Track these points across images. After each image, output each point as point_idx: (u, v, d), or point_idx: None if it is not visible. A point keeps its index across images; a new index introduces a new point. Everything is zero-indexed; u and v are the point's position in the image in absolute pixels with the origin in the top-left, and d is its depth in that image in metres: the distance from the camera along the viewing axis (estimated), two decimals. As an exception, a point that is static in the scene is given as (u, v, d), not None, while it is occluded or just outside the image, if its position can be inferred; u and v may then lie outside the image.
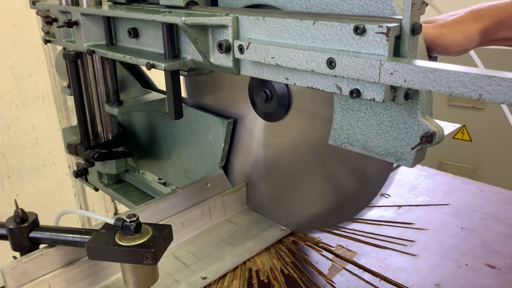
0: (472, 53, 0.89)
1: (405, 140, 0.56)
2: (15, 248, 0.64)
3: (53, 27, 0.95)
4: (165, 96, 0.98)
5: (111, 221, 0.60)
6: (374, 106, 0.58)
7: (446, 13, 0.72)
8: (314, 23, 0.54)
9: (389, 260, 0.76)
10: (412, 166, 0.57)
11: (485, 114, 2.57)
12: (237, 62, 0.64)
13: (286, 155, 0.80)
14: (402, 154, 0.57)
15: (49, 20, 0.91)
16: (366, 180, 0.71)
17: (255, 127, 0.85)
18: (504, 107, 1.07)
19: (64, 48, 0.96)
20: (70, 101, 2.38)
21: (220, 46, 0.64)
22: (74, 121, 2.41)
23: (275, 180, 0.84)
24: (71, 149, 0.94)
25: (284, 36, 0.58)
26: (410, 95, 0.52)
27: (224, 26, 0.63)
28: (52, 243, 0.64)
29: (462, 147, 2.68)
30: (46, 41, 1.00)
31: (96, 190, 1.23)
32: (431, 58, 0.65)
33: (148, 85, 1.05)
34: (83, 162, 1.16)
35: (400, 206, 0.92)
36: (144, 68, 1.06)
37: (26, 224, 0.63)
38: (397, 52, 0.50)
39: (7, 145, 2.21)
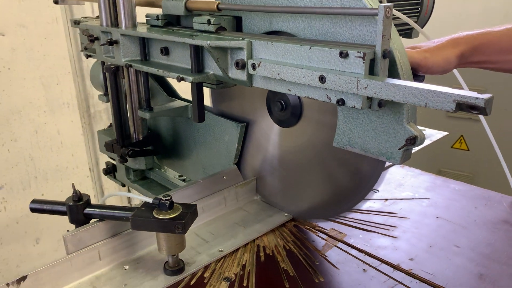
0: (456, 73, 1.05)
1: (394, 142, 0.70)
2: (72, 221, 0.81)
3: (87, 42, 1.13)
4: (187, 103, 1.15)
5: (150, 200, 0.77)
6: (370, 115, 0.73)
7: (433, 38, 0.88)
8: (310, 48, 0.70)
9: (373, 240, 0.91)
10: (400, 163, 0.71)
11: (481, 125, 2.71)
12: (250, 76, 0.81)
13: (295, 156, 0.96)
14: (392, 154, 0.71)
15: (92, 39, 1.09)
16: (361, 178, 0.86)
17: (270, 132, 1.00)
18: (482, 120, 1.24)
19: (103, 63, 1.14)
20: (92, 108, 2.57)
21: (237, 64, 0.80)
22: (95, 127, 2.60)
23: (283, 175, 1.00)
24: (108, 147, 1.11)
25: (287, 57, 0.74)
26: (382, 103, 0.68)
27: (241, 48, 0.79)
28: (101, 218, 0.80)
29: (460, 156, 2.82)
30: (88, 56, 1.18)
31: (123, 185, 1.39)
32: (418, 77, 0.79)
33: (172, 94, 1.23)
34: (114, 160, 1.34)
35: (386, 199, 1.08)
36: (169, 79, 1.23)
37: (81, 203, 0.80)
38: (372, 71, 0.67)
39: (35, 148, 2.40)
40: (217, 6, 0.83)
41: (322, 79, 0.68)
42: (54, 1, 1.34)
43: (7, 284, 0.71)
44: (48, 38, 2.31)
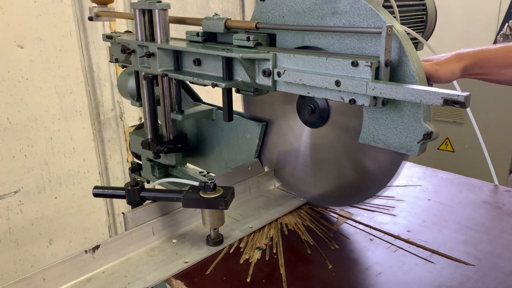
0: (454, 82, 1.25)
1: (413, 137, 0.84)
2: (129, 203, 0.98)
3: (120, 54, 1.29)
4: (212, 107, 1.33)
5: (197, 183, 0.94)
6: (392, 115, 0.87)
7: (440, 53, 1.06)
8: (327, 59, 0.89)
9: (376, 218, 1.09)
10: (418, 155, 0.85)
11: (465, 128, 2.93)
12: (274, 82, 0.99)
13: (323, 153, 1.10)
14: (411, 147, 0.85)
15: (129, 52, 1.26)
16: (378, 173, 0.99)
17: (302, 132, 1.13)
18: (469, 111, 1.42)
19: (136, 73, 1.30)
20: (102, 115, 2.73)
21: (264, 72, 0.98)
22: (105, 133, 2.76)
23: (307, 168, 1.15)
24: (145, 145, 1.28)
25: (307, 66, 0.92)
26: (385, 102, 0.87)
27: (267, 59, 0.97)
28: (155, 200, 0.97)
29: (446, 157, 3.04)
30: (123, 66, 1.35)
31: (148, 182, 1.55)
32: (428, 84, 0.96)
33: (196, 99, 1.40)
34: (140, 160, 1.50)
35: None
36: (192, 86, 1.40)
37: (138, 187, 0.97)
38: (377, 76, 0.85)
39: (50, 154, 2.54)
40: (256, 25, 1.00)
41: (337, 83, 0.86)
42: (89, 18, 1.50)
43: (86, 251, 0.87)
44: (63, 50, 2.47)
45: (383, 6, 0.89)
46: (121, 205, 2.95)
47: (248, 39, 1.00)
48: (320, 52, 0.94)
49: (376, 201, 1.18)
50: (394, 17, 0.98)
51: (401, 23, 1.02)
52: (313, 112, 1.07)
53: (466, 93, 0.72)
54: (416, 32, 1.06)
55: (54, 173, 2.58)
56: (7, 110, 2.32)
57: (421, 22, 1.17)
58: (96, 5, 1.47)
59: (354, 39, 0.89)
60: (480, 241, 0.98)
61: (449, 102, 0.74)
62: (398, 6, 1.01)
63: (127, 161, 2.90)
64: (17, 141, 2.39)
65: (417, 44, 1.14)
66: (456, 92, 0.72)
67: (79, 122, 2.62)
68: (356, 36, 0.89)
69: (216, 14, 1.12)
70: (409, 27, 1.03)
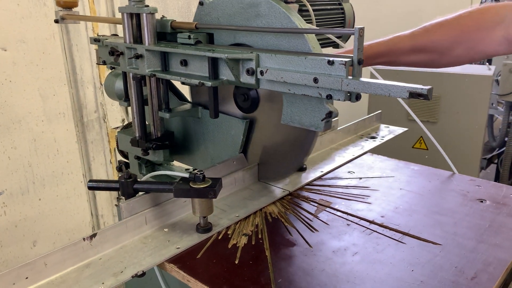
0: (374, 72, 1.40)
1: (318, 116, 1.01)
2: (123, 194, 1.04)
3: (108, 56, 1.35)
4: (197, 106, 1.40)
5: (187, 175, 1.01)
6: (304, 100, 1.04)
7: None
8: (305, 58, 0.97)
9: (353, 206, 1.18)
10: (323, 130, 1.03)
11: (438, 127, 3.07)
12: (258, 80, 1.06)
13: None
14: (318, 125, 1.02)
15: (118, 54, 1.32)
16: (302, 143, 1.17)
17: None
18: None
19: (124, 74, 1.36)
20: (86, 117, 2.76)
21: (248, 71, 1.06)
22: (88, 135, 2.79)
23: None
24: (134, 143, 1.34)
25: (288, 65, 1.00)
26: (358, 97, 0.95)
27: (251, 59, 1.05)
28: (147, 191, 1.04)
29: (420, 154, 3.17)
30: (112, 68, 1.40)
31: (135, 179, 1.61)
32: None
33: (181, 98, 1.46)
34: (127, 159, 1.55)
35: (361, 178, 1.35)
36: (177, 85, 1.46)
37: (131, 180, 1.03)
38: (351, 73, 0.94)
39: (33, 155, 2.56)
40: (195, 25, 1.15)
41: (315, 80, 0.94)
42: (54, 21, 1.55)
43: (84, 239, 0.93)
44: (46, 53, 2.50)
45: (302, 10, 1.16)
46: (104, 206, 2.98)
47: (189, 37, 1.15)
48: (299, 52, 1.03)
49: (353, 191, 1.27)
50: (310, 20, 1.21)
51: (320, 25, 1.28)
52: (246, 100, 1.24)
53: (428, 87, 0.81)
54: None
55: (38, 174, 2.60)
56: (-9, 112, 2.34)
57: (340, 24, 1.36)
58: (61, 8, 1.53)
59: (272, 37, 1.08)
60: (446, 224, 1.08)
61: (414, 95, 0.83)
62: (316, 10, 1.25)
63: (110, 162, 2.93)
64: (0, 143, 2.41)
65: (338, 44, 1.35)
66: (420, 86, 0.82)
67: (62, 124, 2.65)
68: (273, 35, 1.07)
69: (164, 17, 1.25)
70: (327, 28, 1.27)
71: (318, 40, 1.07)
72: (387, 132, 1.75)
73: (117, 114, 2.92)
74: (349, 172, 1.40)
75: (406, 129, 1.79)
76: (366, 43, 1.19)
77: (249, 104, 1.26)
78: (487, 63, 3.33)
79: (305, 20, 1.18)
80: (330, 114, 0.99)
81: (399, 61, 1.24)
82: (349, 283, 0.87)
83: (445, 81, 2.96)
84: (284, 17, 1.04)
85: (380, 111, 1.83)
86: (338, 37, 1.32)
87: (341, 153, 1.54)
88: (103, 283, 0.87)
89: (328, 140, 1.58)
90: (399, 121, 3.08)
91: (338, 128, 1.63)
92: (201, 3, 1.22)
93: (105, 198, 2.99)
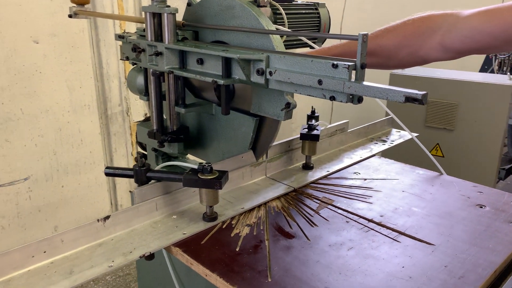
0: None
1: (279, 106, 1.15)
2: (136, 181, 1.12)
3: (131, 53, 1.44)
4: (211, 103, 1.46)
5: (196, 166, 1.08)
6: (269, 93, 1.17)
7: None
8: (312, 60, 1.02)
9: (354, 204, 1.23)
10: (284, 119, 1.15)
11: (455, 134, 3.06)
12: (267, 80, 1.12)
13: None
14: (279, 114, 1.15)
15: (140, 50, 1.40)
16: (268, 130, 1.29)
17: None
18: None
19: (145, 70, 1.44)
20: (110, 110, 2.87)
21: (258, 71, 1.12)
22: (111, 127, 2.90)
23: None
24: (151, 135, 1.42)
25: (295, 67, 1.06)
26: (361, 99, 1.00)
27: (261, 60, 1.11)
28: (159, 179, 1.11)
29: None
30: (133, 63, 1.49)
31: (152, 170, 1.69)
32: None
33: (197, 95, 1.54)
34: (145, 151, 1.64)
35: (365, 179, 1.40)
36: (194, 82, 1.53)
37: (144, 168, 1.11)
38: (356, 76, 0.99)
39: (58, 144, 2.69)
40: (182, 24, 1.28)
41: (320, 82, 0.99)
42: (68, 15, 1.66)
43: (98, 220, 1.01)
44: (75, 47, 2.62)
45: (276, 13, 1.31)
46: (124, 196, 3.09)
47: (177, 34, 1.27)
48: (306, 54, 1.08)
49: (356, 191, 1.31)
50: (283, 22, 1.34)
51: (293, 27, 1.41)
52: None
53: (423, 92, 0.86)
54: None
55: (62, 162, 2.72)
56: (21, 102, 2.47)
57: (316, 27, 1.48)
58: (75, 5, 1.65)
59: (244, 36, 1.22)
60: (442, 226, 1.12)
61: (410, 99, 0.87)
62: (291, 14, 1.39)
63: (132, 154, 3.04)
64: (28, 131, 2.54)
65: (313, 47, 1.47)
66: (415, 91, 0.86)
67: (87, 116, 2.77)
68: (245, 35, 1.22)
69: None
70: (302, 31, 1.41)
71: (291, 41, 1.33)
72: (398, 136, 1.78)
73: (140, 108, 3.03)
74: (355, 173, 1.45)
75: (417, 134, 1.82)
76: (326, 46, 1.35)
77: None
78: (508, 73, 3.30)
79: (279, 22, 1.33)
80: (288, 105, 1.13)
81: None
82: (341, 275, 0.92)
83: (464, 89, 2.95)
84: (253, 19, 1.19)
85: (391, 115, 1.86)
86: (312, 40, 1.45)
87: (350, 154, 1.59)
88: (113, 261, 0.95)
89: (337, 141, 1.63)
90: (415, 127, 3.10)
91: (349, 131, 1.68)
92: (189, 4, 1.36)
93: (125, 189, 3.10)
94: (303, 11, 1.44)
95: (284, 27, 1.37)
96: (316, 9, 1.49)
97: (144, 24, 1.42)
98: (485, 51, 1.18)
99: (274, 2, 1.36)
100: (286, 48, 1.36)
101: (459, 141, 3.04)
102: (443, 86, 3.01)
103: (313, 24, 1.46)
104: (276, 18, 1.37)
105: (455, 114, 2.98)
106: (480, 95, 2.92)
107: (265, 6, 1.31)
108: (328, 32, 1.52)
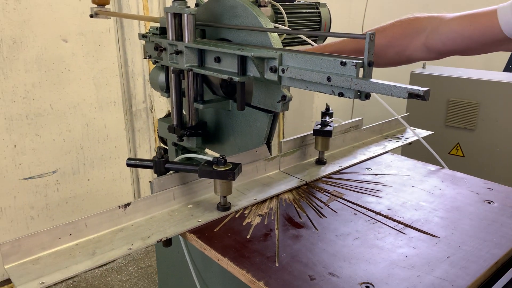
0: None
1: (276, 99, 1.26)
2: (156, 172, 1.19)
3: (153, 51, 1.51)
4: (227, 100, 1.53)
5: (211, 158, 1.14)
6: (268, 87, 1.28)
7: None
8: (322, 58, 1.07)
9: (363, 198, 1.27)
10: (280, 111, 1.28)
11: (476, 134, 3.05)
12: (280, 78, 1.18)
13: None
14: (276, 106, 1.27)
15: (161, 49, 1.47)
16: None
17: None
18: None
19: (166, 68, 1.52)
20: (134, 107, 2.97)
21: (271, 68, 1.18)
22: (136, 123, 3.00)
23: None
24: (171, 129, 1.49)
25: (306, 64, 1.11)
26: (368, 95, 1.04)
27: (274, 58, 1.17)
28: (177, 170, 1.18)
29: (456, 161, 3.15)
30: (155, 62, 1.56)
31: (172, 164, 1.76)
32: None
33: (214, 92, 1.60)
34: (166, 145, 1.71)
35: (377, 174, 1.44)
36: (213, 80, 1.60)
37: (163, 159, 1.18)
38: (363, 74, 1.03)
39: (85, 139, 2.80)
40: None
41: (329, 79, 1.04)
42: (90, 15, 1.76)
43: (119, 207, 1.08)
44: (102, 45, 2.73)
45: (277, 13, 1.40)
46: (147, 190, 3.19)
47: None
48: (316, 53, 1.13)
49: (367, 185, 1.35)
50: (283, 21, 1.42)
51: (294, 26, 1.48)
52: (228, 86, 1.51)
53: (425, 88, 0.90)
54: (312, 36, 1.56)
55: (88, 157, 2.84)
56: (50, 98, 2.59)
57: (316, 26, 1.55)
58: (96, 5, 1.77)
59: (246, 34, 1.32)
60: (448, 220, 1.15)
61: (412, 95, 0.91)
62: (292, 13, 1.46)
63: (155, 150, 3.13)
64: (57, 126, 2.66)
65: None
66: (418, 87, 0.90)
67: (113, 112, 2.88)
68: (246, 33, 1.32)
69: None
70: (303, 29, 1.50)
71: (291, 39, 1.43)
72: (413, 134, 1.80)
73: (163, 105, 3.12)
74: (366, 168, 1.48)
75: (431, 132, 1.84)
76: (321, 44, 1.43)
77: (230, 89, 1.51)
78: (531, 72, 3.25)
79: (280, 21, 1.41)
80: (284, 98, 1.23)
81: None
82: (345, 262, 0.97)
83: (486, 89, 2.94)
84: (253, 18, 1.28)
85: (407, 113, 1.89)
86: (314, 39, 1.53)
87: (363, 151, 1.63)
88: (132, 245, 1.02)
89: (352, 138, 1.67)
90: (435, 126, 3.09)
91: (363, 128, 1.71)
92: (196, 5, 1.47)
93: (148, 183, 3.20)
94: (304, 11, 1.52)
95: (284, 25, 1.44)
96: (317, 8, 1.56)
97: (157, 23, 1.52)
98: (464, 53, 1.25)
99: (274, 2, 1.44)
100: (286, 46, 1.48)
101: (480, 141, 3.02)
102: (464, 86, 3.00)
103: (313, 22, 1.54)
104: (277, 17, 1.44)
105: (476, 113, 2.96)
106: (502, 94, 2.89)
107: (266, 6, 1.40)
108: (329, 30, 1.59)
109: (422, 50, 1.28)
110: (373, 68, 1.00)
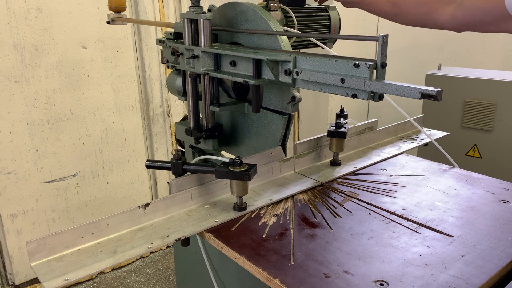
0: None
1: (286, 100, 1.30)
2: (174, 173, 1.22)
3: (170, 56, 1.55)
4: (243, 103, 1.56)
5: (227, 160, 1.17)
6: (279, 89, 1.33)
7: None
8: (335, 61, 1.09)
9: (378, 198, 1.28)
10: (291, 112, 1.33)
11: (493, 135, 3.02)
12: (294, 80, 1.20)
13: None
14: (287, 107, 1.32)
15: (178, 54, 1.51)
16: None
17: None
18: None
19: (183, 72, 1.55)
20: (152, 111, 3.03)
21: (285, 71, 1.20)
22: (153, 127, 3.04)
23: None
24: (188, 132, 1.53)
25: (319, 67, 1.13)
26: (381, 96, 1.06)
27: (288, 61, 1.19)
28: (194, 172, 1.21)
29: (473, 162, 3.13)
30: (173, 66, 1.60)
31: (189, 166, 1.79)
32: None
33: (229, 95, 1.63)
34: (183, 148, 1.75)
35: (391, 175, 1.45)
36: (227, 83, 1.63)
37: (181, 161, 1.21)
38: (375, 75, 1.05)
39: (104, 143, 2.86)
40: None
41: (342, 81, 1.06)
42: (107, 22, 1.81)
43: (139, 207, 1.12)
44: (120, 51, 2.79)
45: (287, 16, 1.45)
46: (165, 193, 3.23)
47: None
48: (330, 55, 1.15)
49: (382, 186, 1.36)
50: (293, 24, 1.44)
51: (304, 29, 1.50)
52: (240, 88, 1.54)
53: (438, 89, 0.91)
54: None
55: (107, 160, 2.89)
56: (71, 103, 2.66)
57: (326, 28, 1.58)
58: (112, 12, 1.82)
59: (257, 37, 1.37)
60: (463, 219, 1.15)
61: (425, 95, 0.93)
62: (301, 16, 1.49)
63: (172, 153, 3.18)
64: (77, 130, 2.73)
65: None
66: (431, 88, 0.92)
67: (131, 116, 2.93)
68: (258, 37, 1.36)
69: (181, 21, 1.47)
70: (313, 32, 1.53)
71: (301, 41, 1.49)
72: (428, 135, 1.81)
73: (180, 110, 3.17)
74: (381, 169, 1.50)
75: (447, 133, 1.84)
76: None
77: (242, 91, 1.54)
78: (550, 73, 3.21)
79: (289, 25, 1.44)
80: (294, 99, 1.28)
81: (376, 8, 1.47)
82: (360, 260, 0.98)
83: (502, 89, 2.91)
84: (263, 22, 1.33)
85: (422, 114, 1.89)
86: (323, 41, 1.55)
87: (378, 152, 1.64)
88: (151, 243, 1.05)
89: (366, 139, 1.68)
90: (451, 127, 3.07)
91: (378, 129, 1.72)
92: (209, 10, 1.50)
93: (165, 186, 3.24)
94: (313, 14, 1.55)
95: (294, 29, 1.47)
96: (327, 11, 1.59)
97: (171, 29, 1.57)
98: (479, 27, 1.30)
99: (284, 6, 1.47)
100: (296, 48, 1.51)
101: (497, 142, 2.99)
102: (480, 86, 2.97)
103: (323, 25, 1.57)
104: (287, 21, 1.47)
105: (493, 114, 2.94)
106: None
107: (276, 10, 1.43)
108: (339, 33, 1.61)
109: (448, 20, 1.32)
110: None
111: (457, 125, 3.12)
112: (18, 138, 2.52)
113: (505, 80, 2.87)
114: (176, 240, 1.07)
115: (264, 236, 1.09)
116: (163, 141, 3.14)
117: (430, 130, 1.89)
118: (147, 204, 1.13)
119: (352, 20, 2.55)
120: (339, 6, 1.58)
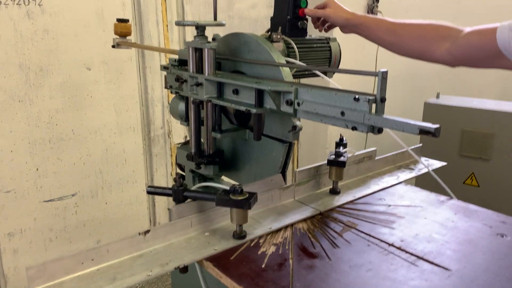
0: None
1: (287, 128, 1.35)
2: (174, 199, 1.23)
3: (174, 82, 1.58)
4: (244, 129, 1.58)
5: (227, 187, 1.18)
6: (280, 118, 1.37)
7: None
8: (336, 94, 1.12)
9: (376, 229, 1.29)
10: (292, 140, 1.36)
11: (491, 164, 3.03)
12: (295, 110, 1.22)
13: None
14: (288, 136, 1.36)
15: (182, 81, 1.53)
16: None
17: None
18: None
19: (186, 98, 1.58)
20: (153, 132, 3.05)
21: (287, 102, 1.23)
22: (154, 148, 3.06)
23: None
24: (189, 157, 1.54)
25: (321, 99, 1.15)
26: (380, 130, 1.08)
27: (290, 92, 1.21)
28: (194, 199, 1.22)
29: (471, 191, 3.14)
30: (176, 92, 1.63)
31: (189, 190, 1.80)
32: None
33: (232, 122, 1.66)
34: (183, 172, 1.76)
35: (390, 205, 1.46)
36: (229, 110, 1.65)
37: (182, 188, 1.22)
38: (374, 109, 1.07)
39: (104, 163, 2.87)
40: None
41: (342, 113, 1.09)
42: (112, 46, 1.84)
43: (139, 233, 1.13)
44: (123, 73, 2.83)
45: (289, 47, 1.50)
46: (162, 214, 3.23)
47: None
48: (331, 88, 1.18)
49: (380, 216, 1.37)
50: (295, 55, 1.49)
51: (305, 59, 1.55)
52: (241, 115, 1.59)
53: (436, 125, 0.93)
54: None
55: (106, 180, 2.90)
56: (73, 123, 2.68)
57: (327, 59, 1.64)
58: (118, 36, 1.86)
59: (260, 68, 1.41)
60: (461, 253, 1.16)
61: (424, 132, 0.95)
62: (303, 47, 1.54)
63: (171, 175, 3.19)
64: (78, 150, 2.74)
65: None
66: (429, 124, 0.94)
67: (132, 137, 2.95)
68: (260, 67, 1.40)
69: (186, 48, 1.51)
70: (314, 63, 1.59)
71: (302, 71, 1.54)
72: (426, 165, 1.82)
73: (180, 131, 3.19)
74: (380, 199, 1.51)
75: (444, 163, 1.85)
76: (360, 13, 1.50)
77: (243, 118, 1.59)
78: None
79: (291, 56, 1.51)
80: (295, 128, 1.33)
81: (374, 35, 1.51)
82: (357, 293, 0.99)
83: (500, 119, 2.94)
84: (266, 53, 1.37)
85: (420, 144, 1.91)
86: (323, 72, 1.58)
87: (377, 181, 1.65)
88: (151, 271, 1.06)
89: (365, 168, 1.70)
90: (449, 155, 3.09)
91: (377, 158, 1.74)
92: (213, 39, 1.54)
93: (163, 207, 3.24)
94: (315, 45, 1.61)
95: (295, 59, 1.52)
96: (328, 43, 1.64)
97: (176, 55, 1.61)
98: (472, 63, 1.37)
99: (286, 38, 1.52)
100: (297, 77, 1.56)
101: (495, 172, 3.01)
102: (478, 116, 3.01)
103: (324, 57, 1.63)
104: (289, 51, 1.52)
105: (491, 144, 2.96)
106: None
107: (278, 42, 1.48)
108: (339, 64, 1.67)
109: (444, 55, 1.37)
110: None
111: (455, 153, 3.14)
112: (19, 157, 2.53)
113: (504, 111, 2.91)
114: (175, 268, 1.08)
115: (263, 266, 1.09)
116: (163, 162, 3.15)
117: (428, 160, 1.91)
118: (147, 231, 1.14)
119: (351, 49, 2.60)
120: (337, 31, 1.62)
